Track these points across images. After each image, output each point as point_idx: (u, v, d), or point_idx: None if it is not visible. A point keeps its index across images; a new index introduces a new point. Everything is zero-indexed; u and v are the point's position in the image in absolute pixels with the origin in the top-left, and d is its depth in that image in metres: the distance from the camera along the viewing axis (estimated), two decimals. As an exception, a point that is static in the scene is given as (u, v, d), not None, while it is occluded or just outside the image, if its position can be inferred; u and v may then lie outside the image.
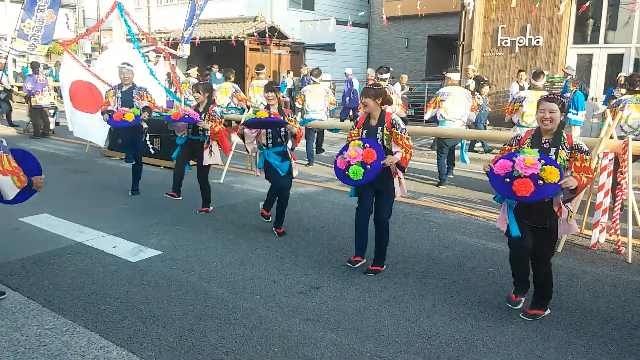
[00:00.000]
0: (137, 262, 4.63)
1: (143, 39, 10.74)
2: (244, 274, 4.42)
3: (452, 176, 8.57)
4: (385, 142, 4.37)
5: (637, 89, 6.31)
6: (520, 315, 3.69)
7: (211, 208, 6.32)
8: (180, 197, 6.25)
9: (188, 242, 5.19)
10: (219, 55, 21.63)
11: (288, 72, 18.26)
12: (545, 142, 3.56)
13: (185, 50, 12.11)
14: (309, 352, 3.24)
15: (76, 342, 3.30)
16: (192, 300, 3.89)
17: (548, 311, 3.74)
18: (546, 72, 8.11)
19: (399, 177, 4.51)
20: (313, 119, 8.51)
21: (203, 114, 6.02)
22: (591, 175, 3.47)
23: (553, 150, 3.51)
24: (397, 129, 4.31)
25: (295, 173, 5.53)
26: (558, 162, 3.43)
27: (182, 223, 5.81)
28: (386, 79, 8.52)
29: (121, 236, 5.31)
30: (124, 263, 4.61)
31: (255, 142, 5.44)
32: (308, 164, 9.49)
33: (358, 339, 3.41)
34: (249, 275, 4.38)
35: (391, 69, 9.65)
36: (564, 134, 3.56)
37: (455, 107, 7.68)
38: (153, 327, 3.49)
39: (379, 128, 4.39)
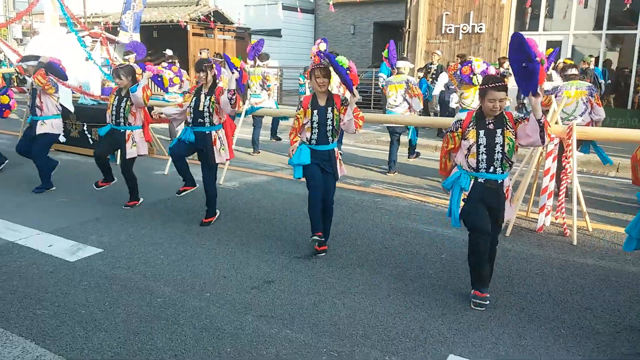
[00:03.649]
0: (75, 262, 4.33)
1: (76, 25, 10.13)
2: (192, 270, 4.22)
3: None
4: (335, 123, 4.46)
5: (566, 73, 6.48)
6: (472, 306, 3.67)
7: (140, 200, 6.01)
8: (115, 179, 5.94)
9: (131, 238, 4.92)
10: (160, 40, 20.86)
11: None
12: (489, 123, 3.60)
13: (134, 39, 11.55)
14: (264, 350, 3.11)
15: (9, 351, 3.03)
16: (137, 301, 3.66)
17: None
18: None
19: (339, 159, 4.65)
20: (260, 107, 8.31)
21: (125, 99, 5.64)
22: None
23: (499, 131, 3.58)
24: (346, 105, 4.41)
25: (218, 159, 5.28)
26: (506, 142, 3.54)
27: (124, 218, 5.51)
28: None
29: (58, 234, 4.97)
30: (61, 263, 4.31)
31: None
32: (253, 152, 9.36)
33: (314, 334, 3.30)
34: (198, 272, 4.19)
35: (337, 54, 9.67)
36: (504, 113, 3.60)
37: (393, 95, 7.86)
38: (94, 332, 3.26)
39: (329, 108, 4.44)
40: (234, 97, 5.01)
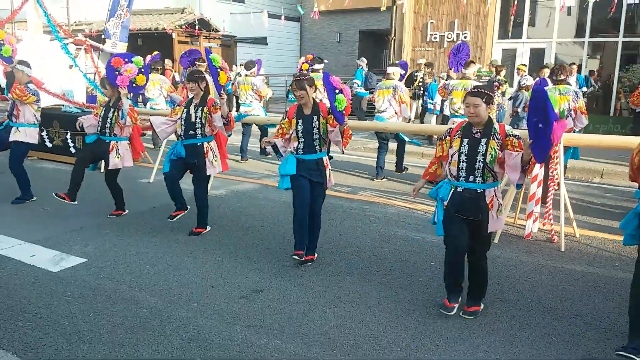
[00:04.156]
0: (58, 272, 4.23)
1: (60, 32, 10.02)
2: (179, 280, 4.14)
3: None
4: (322, 131, 4.39)
5: (560, 78, 6.54)
6: (460, 314, 3.63)
7: (126, 211, 5.91)
8: (75, 202, 5.64)
9: (116, 247, 4.83)
10: (145, 48, 20.75)
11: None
12: (476, 132, 3.56)
13: (119, 49, 11.46)
14: (253, 361, 3.05)
15: (-12, 366, 2.94)
16: (122, 312, 3.58)
17: (482, 305, 3.72)
18: (479, 66, 8.32)
19: (329, 169, 4.57)
20: (249, 114, 8.27)
21: (112, 109, 5.57)
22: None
23: (484, 140, 3.50)
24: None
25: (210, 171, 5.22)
26: (489, 152, 3.47)
27: (109, 227, 5.42)
28: (319, 69, 8.71)
29: (40, 243, 4.86)
30: (44, 273, 4.20)
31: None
32: (241, 159, 9.31)
33: (304, 344, 3.25)
34: (185, 282, 4.11)
35: (326, 61, 9.83)
36: (496, 125, 3.56)
37: (380, 100, 7.87)
38: (78, 344, 3.17)
39: (314, 117, 4.38)
40: (228, 119, 5.02)
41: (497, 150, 3.48)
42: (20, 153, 6.35)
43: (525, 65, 12.22)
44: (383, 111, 7.84)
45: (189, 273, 4.28)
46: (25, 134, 6.26)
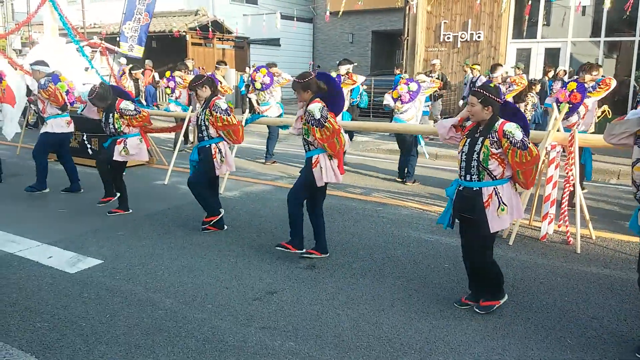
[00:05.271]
0: (75, 273, 4.29)
1: (76, 35, 10.17)
2: (194, 281, 4.18)
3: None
4: (304, 134, 4.48)
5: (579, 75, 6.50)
6: (475, 309, 3.71)
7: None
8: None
9: (131, 249, 4.88)
10: (159, 50, 20.91)
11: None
12: (478, 131, 3.60)
13: (135, 52, 11.56)
14: (267, 363, 3.07)
15: (8, 366, 2.99)
16: (138, 313, 3.62)
17: (505, 298, 3.79)
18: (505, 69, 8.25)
19: (320, 167, 4.46)
20: (261, 116, 8.29)
21: (111, 114, 5.72)
22: (526, 167, 3.47)
23: (480, 139, 3.54)
24: (311, 123, 4.35)
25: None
26: (482, 151, 3.48)
27: (124, 228, 5.47)
28: (339, 72, 8.63)
29: (57, 245, 4.92)
30: (61, 275, 4.26)
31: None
32: (266, 161, 9.28)
33: (318, 346, 3.26)
34: (199, 283, 4.14)
35: (354, 63, 9.76)
36: (497, 123, 3.50)
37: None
38: (95, 345, 3.21)
39: (304, 120, 4.48)
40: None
41: (489, 149, 3.47)
42: (47, 143, 6.72)
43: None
44: (405, 111, 7.75)
45: (203, 274, 4.31)
46: (52, 126, 6.66)
